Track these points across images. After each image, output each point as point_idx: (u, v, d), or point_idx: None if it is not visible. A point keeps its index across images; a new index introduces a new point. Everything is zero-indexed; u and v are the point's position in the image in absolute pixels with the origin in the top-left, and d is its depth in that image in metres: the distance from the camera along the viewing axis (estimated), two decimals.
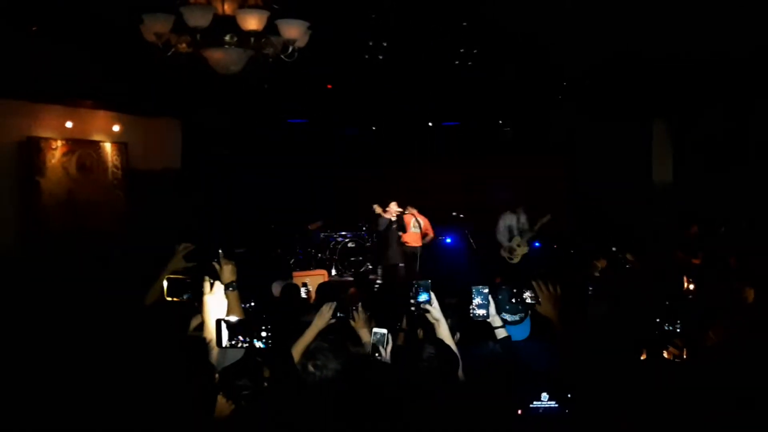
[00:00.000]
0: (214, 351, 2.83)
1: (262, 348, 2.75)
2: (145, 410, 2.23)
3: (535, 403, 2.48)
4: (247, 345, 2.77)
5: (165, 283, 2.99)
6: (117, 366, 2.67)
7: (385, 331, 3.45)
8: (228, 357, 2.93)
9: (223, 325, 2.77)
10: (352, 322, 3.77)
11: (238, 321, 2.81)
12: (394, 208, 10.97)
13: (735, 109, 10.04)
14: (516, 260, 10.91)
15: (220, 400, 2.60)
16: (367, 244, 11.98)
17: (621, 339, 3.58)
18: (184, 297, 3.04)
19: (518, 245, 10.85)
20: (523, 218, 11.01)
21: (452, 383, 2.99)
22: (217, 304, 2.90)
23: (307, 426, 2.66)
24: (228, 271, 3.28)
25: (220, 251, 3.25)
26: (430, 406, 2.87)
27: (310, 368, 3.00)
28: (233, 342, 2.77)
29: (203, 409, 2.44)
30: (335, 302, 3.80)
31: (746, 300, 4.91)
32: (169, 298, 3.00)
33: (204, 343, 2.76)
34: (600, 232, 10.16)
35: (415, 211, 11.36)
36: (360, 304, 3.85)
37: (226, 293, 3.23)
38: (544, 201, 12.04)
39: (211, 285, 2.92)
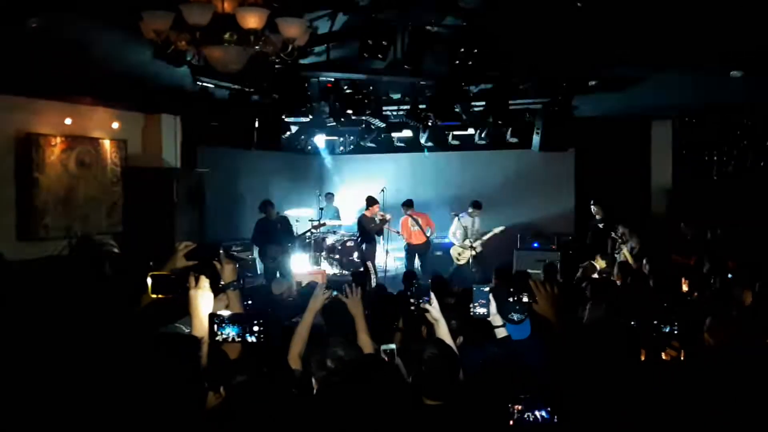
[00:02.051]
0: (205, 347, 2.81)
1: (254, 343, 2.74)
2: (139, 410, 2.22)
3: (527, 413, 2.47)
4: (239, 340, 2.77)
5: (149, 281, 2.95)
6: (113, 365, 2.66)
7: (393, 346, 3.48)
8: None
9: (216, 320, 2.77)
10: (344, 299, 3.80)
11: (231, 315, 2.81)
12: (376, 209, 11.08)
13: (734, 113, 10.05)
14: (462, 262, 11.04)
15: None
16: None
17: (618, 340, 3.58)
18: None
19: (469, 247, 10.98)
20: (477, 222, 11.11)
21: (453, 384, 3.00)
22: (203, 299, 2.87)
23: (308, 424, 2.66)
24: (229, 270, 3.29)
25: (221, 251, 3.25)
26: (432, 406, 2.88)
27: (329, 363, 3.03)
28: (225, 337, 2.77)
29: (194, 405, 2.42)
30: (326, 282, 3.84)
31: (743, 302, 4.93)
32: (153, 296, 2.96)
33: (194, 340, 2.72)
34: (599, 234, 10.14)
35: (411, 212, 11.44)
36: (353, 283, 3.87)
37: (227, 292, 3.23)
38: (543, 201, 12.08)
39: (197, 280, 2.90)
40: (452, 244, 11.45)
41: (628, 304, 4.86)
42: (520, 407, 2.48)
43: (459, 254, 11.12)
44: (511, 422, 2.44)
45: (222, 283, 3.22)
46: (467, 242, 11.03)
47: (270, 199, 10.74)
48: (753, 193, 9.69)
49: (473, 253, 11.01)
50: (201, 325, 2.82)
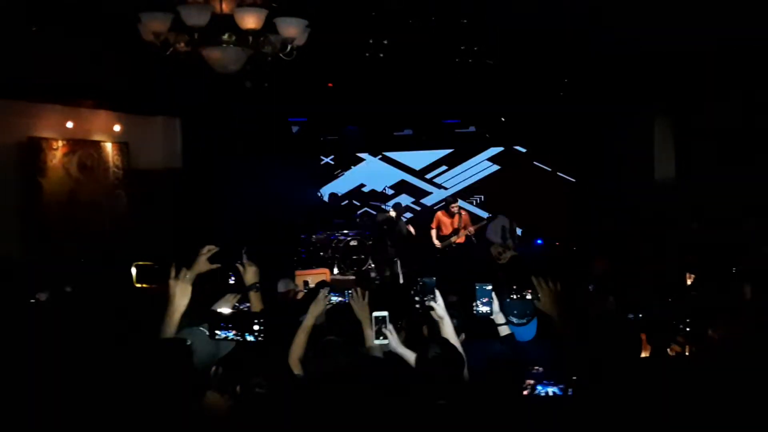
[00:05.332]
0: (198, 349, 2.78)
1: (253, 342, 2.74)
2: (140, 412, 2.22)
3: (538, 388, 2.46)
4: (239, 338, 2.76)
5: (134, 271, 2.99)
6: (118, 367, 2.65)
7: (386, 313, 3.43)
8: (221, 348, 2.91)
9: (216, 318, 2.76)
10: (352, 302, 3.77)
11: (231, 314, 2.81)
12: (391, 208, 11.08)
13: (738, 103, 9.98)
14: (504, 261, 10.88)
15: (212, 396, 2.58)
16: (369, 242, 11.94)
17: (623, 336, 3.56)
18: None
19: (509, 247, 10.85)
20: (513, 224, 11.02)
21: (457, 383, 2.98)
22: (180, 290, 2.86)
23: (309, 423, 2.65)
24: (251, 272, 3.37)
25: (243, 253, 3.30)
26: (436, 406, 2.86)
27: (331, 367, 3.02)
28: (225, 334, 2.76)
29: (190, 408, 2.41)
30: (329, 287, 3.84)
31: (744, 297, 4.91)
32: (138, 285, 3.00)
33: (185, 345, 2.70)
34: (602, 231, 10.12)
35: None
36: (359, 288, 3.85)
37: (249, 293, 3.28)
38: (546, 198, 12.06)
39: (177, 271, 2.89)
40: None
41: (633, 300, 4.85)
42: (532, 381, 2.47)
43: (500, 255, 10.83)
44: (525, 393, 2.43)
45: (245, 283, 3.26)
46: (509, 241, 10.81)
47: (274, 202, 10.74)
48: (759, 185, 9.63)
49: (513, 253, 10.77)
50: (174, 316, 2.79)
